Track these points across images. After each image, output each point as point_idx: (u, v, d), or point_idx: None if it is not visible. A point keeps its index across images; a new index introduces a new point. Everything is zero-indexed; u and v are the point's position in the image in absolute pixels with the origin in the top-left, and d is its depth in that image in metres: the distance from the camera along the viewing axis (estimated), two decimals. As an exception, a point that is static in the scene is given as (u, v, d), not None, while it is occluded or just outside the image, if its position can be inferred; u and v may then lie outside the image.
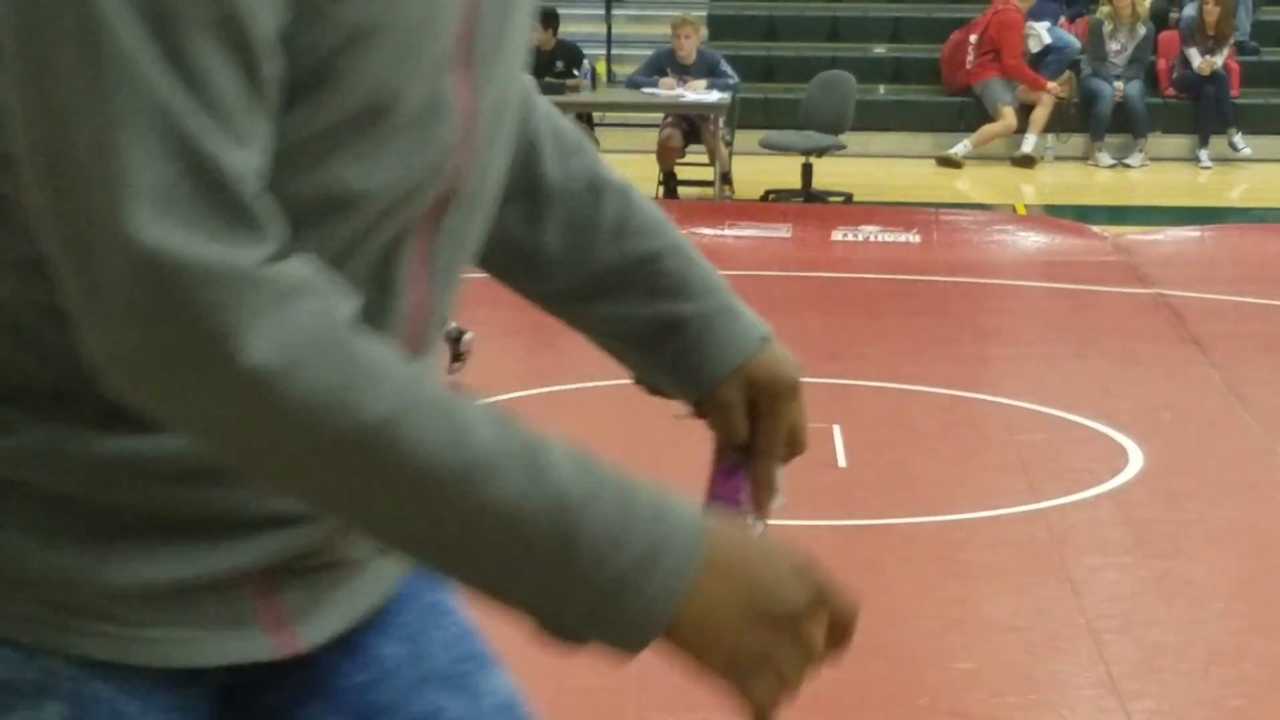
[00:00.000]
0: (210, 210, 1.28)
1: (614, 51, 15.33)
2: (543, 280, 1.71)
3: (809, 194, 13.11)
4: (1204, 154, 15.14)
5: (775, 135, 13.28)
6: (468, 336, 6.46)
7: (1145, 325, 9.29)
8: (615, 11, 15.70)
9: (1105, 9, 15.33)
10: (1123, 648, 5.03)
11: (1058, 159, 15.24)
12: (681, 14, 13.77)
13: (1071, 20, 15.94)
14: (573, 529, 1.33)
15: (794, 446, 1.75)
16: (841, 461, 6.69)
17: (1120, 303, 9.92)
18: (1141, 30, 15.30)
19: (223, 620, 1.48)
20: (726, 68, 13.25)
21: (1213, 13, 15.20)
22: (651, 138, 13.23)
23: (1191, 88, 15.29)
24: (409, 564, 1.55)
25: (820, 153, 13.16)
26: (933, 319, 9.48)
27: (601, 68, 14.15)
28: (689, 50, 13.16)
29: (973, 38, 15.24)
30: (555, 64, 13.41)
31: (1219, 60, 15.24)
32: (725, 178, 13.06)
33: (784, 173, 13.25)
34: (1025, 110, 15.06)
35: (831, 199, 13.16)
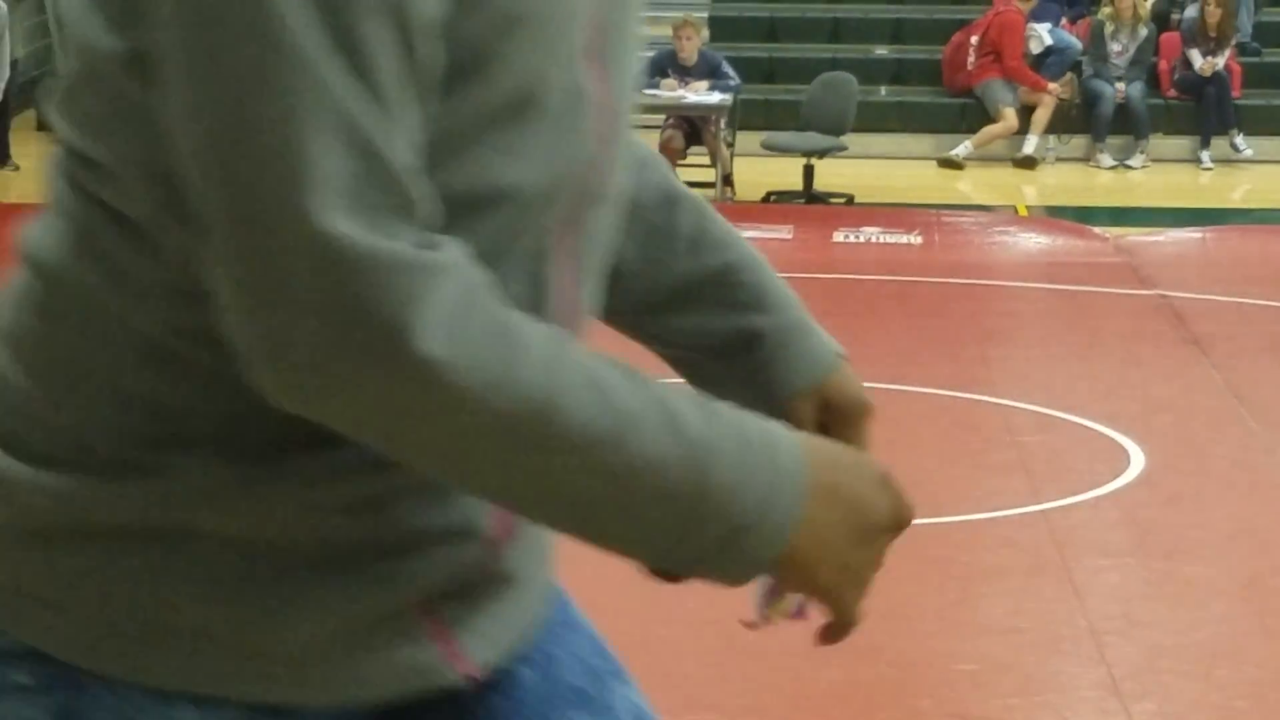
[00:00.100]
0: (383, 201, 1.28)
1: (615, 53, 15.32)
2: (619, 293, 1.67)
3: (810, 195, 13.11)
4: (1205, 155, 15.13)
5: (776, 137, 13.29)
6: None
7: (1146, 326, 9.29)
8: (617, 13, 15.69)
9: (1107, 10, 15.33)
10: (1124, 649, 5.03)
11: (1059, 160, 15.22)
12: (683, 15, 13.76)
13: (1073, 21, 15.92)
14: (706, 474, 1.35)
15: None
16: (843, 462, 6.68)
17: (1121, 304, 9.92)
18: (1143, 31, 15.29)
19: (395, 649, 1.46)
20: (728, 69, 13.26)
21: (1214, 14, 15.19)
22: (653, 139, 13.23)
23: (1193, 89, 15.28)
24: (545, 538, 1.54)
25: (821, 154, 13.17)
26: (934, 320, 9.48)
27: (602, 69, 14.14)
28: (690, 52, 13.17)
29: (974, 39, 15.23)
30: (556, 65, 13.42)
31: (1220, 61, 15.23)
32: (727, 179, 13.07)
33: (785, 174, 13.25)
34: (1026, 111, 15.05)
35: (833, 200, 13.17)
